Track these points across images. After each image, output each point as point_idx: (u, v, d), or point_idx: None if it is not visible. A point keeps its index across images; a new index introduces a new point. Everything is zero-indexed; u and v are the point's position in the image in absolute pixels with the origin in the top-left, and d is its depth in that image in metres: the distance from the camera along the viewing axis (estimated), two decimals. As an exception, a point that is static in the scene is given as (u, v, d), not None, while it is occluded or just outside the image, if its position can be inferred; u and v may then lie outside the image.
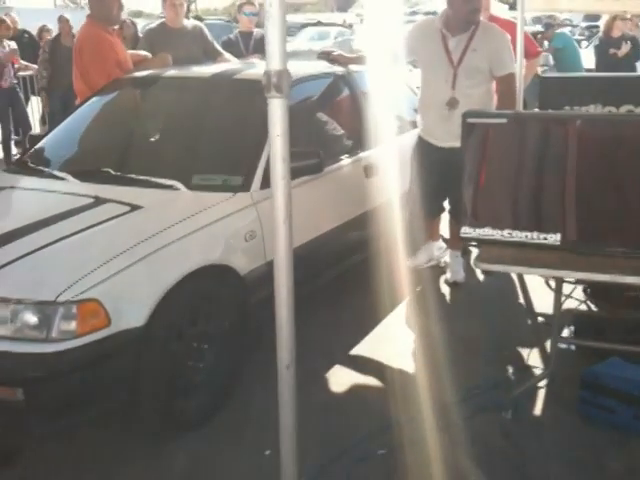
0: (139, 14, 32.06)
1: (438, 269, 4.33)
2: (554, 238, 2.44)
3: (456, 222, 3.67)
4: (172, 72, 4.16)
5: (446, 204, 4.15)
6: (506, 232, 2.51)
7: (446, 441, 2.61)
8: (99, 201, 2.98)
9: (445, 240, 4.44)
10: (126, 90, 4.07)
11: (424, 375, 3.07)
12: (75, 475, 2.55)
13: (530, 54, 5.03)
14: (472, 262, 2.75)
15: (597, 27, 8.41)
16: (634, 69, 7.50)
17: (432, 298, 3.98)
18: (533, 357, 3.23)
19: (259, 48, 5.42)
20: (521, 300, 3.92)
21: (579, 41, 13.69)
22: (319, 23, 23.10)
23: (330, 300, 3.78)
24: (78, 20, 5.19)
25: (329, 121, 3.95)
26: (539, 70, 6.43)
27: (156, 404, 2.59)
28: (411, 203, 4.12)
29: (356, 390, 3.06)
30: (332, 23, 23.25)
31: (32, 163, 3.62)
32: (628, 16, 7.85)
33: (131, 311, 2.46)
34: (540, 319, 3.61)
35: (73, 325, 2.33)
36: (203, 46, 5.12)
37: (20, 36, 8.91)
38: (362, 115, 4.06)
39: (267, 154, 2.62)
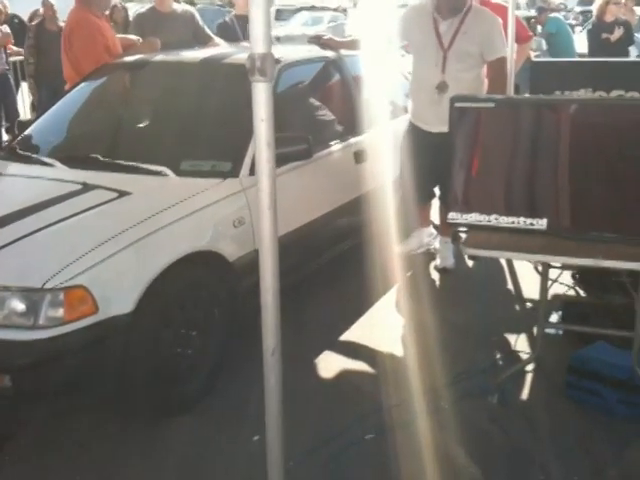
0: (131, -2, 31.67)
1: (429, 255, 4.34)
2: (540, 223, 2.45)
3: (446, 208, 3.67)
4: (161, 57, 4.13)
5: (437, 190, 4.15)
6: (493, 217, 2.51)
7: (434, 425, 2.63)
8: (87, 187, 2.96)
9: (435, 226, 4.45)
10: (115, 75, 4.05)
11: (413, 360, 3.09)
12: (69, 473, 2.56)
13: (521, 39, 5.00)
14: (459, 247, 2.76)
15: (591, 12, 8.35)
16: (627, 54, 7.47)
17: (422, 284, 3.99)
18: (521, 342, 3.25)
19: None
20: (510, 286, 3.96)
21: (573, 26, 13.63)
22: (313, 8, 22.93)
23: (321, 286, 3.79)
24: (65, 6, 5.13)
25: (319, 106, 3.93)
26: (532, 55, 6.39)
27: (144, 390, 2.59)
28: (402, 189, 4.11)
29: (346, 375, 3.07)
30: (326, 7, 23.10)
31: (20, 149, 3.61)
32: (622, 0, 7.80)
33: (119, 298, 2.46)
34: (528, 304, 3.64)
35: (60, 312, 2.33)
36: (193, 30, 5.09)
37: (10, 21, 8.81)
38: (353, 100, 4.04)
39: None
